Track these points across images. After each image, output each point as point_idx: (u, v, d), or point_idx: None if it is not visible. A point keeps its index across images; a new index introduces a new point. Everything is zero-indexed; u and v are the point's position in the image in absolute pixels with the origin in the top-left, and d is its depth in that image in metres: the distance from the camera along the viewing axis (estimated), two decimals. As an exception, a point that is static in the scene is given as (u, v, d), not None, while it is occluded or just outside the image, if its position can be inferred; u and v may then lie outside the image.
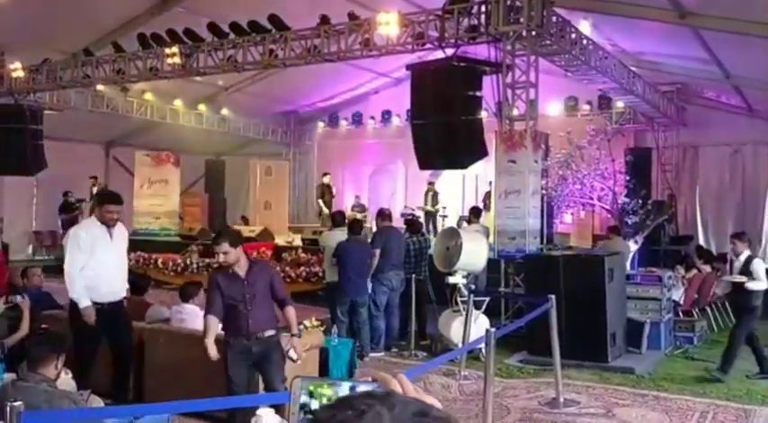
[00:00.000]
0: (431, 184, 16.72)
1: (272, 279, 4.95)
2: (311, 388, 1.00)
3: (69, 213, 16.62)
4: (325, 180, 17.64)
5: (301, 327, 5.98)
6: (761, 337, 7.24)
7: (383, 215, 9.08)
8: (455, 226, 11.91)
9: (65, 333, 4.04)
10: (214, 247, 4.77)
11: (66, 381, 4.35)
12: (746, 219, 15.38)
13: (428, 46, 10.67)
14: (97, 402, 4.41)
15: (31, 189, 18.50)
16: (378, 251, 8.29)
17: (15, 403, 2.40)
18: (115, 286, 5.67)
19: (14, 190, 17.03)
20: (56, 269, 15.27)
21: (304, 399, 0.99)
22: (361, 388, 1.01)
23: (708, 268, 10.90)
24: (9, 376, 4.21)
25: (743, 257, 7.36)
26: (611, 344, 7.60)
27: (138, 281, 7.45)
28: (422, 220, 14.77)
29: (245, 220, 18.04)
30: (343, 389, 1.01)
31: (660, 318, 8.37)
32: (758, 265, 7.24)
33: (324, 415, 0.79)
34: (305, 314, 6.99)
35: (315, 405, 0.99)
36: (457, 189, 17.73)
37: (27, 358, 3.80)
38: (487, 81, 9.85)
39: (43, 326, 5.48)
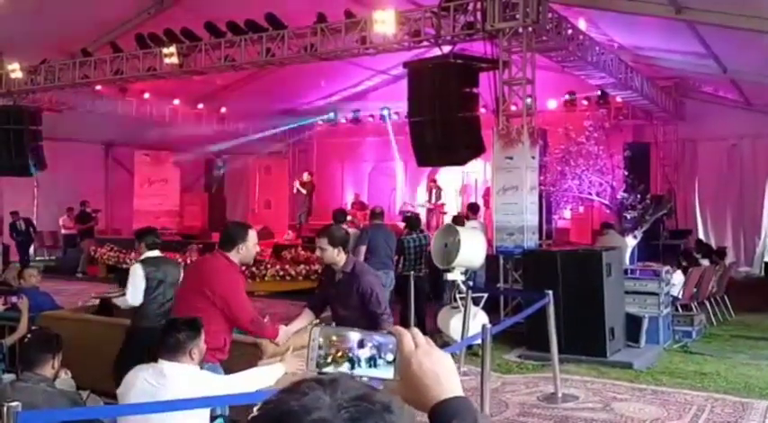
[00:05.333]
0: (433, 181, 16.78)
1: (363, 285, 4.48)
2: (321, 340, 1.06)
3: (86, 223, 16.58)
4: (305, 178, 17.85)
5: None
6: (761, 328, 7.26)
7: (374, 214, 9.15)
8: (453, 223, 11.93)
9: (58, 333, 4.07)
10: (316, 240, 4.70)
11: (66, 381, 4.38)
12: (745, 212, 15.42)
13: (425, 43, 10.69)
14: (96, 402, 4.43)
15: (32, 190, 18.54)
16: (363, 248, 8.32)
17: (13, 403, 2.42)
18: None
19: (15, 191, 17.06)
20: (57, 270, 15.46)
21: (317, 351, 1.06)
22: (371, 339, 1.07)
23: (706, 262, 10.92)
24: (8, 377, 4.24)
25: None
26: (609, 338, 7.62)
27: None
28: (423, 216, 14.82)
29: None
30: (353, 340, 1.06)
31: (659, 312, 8.39)
32: None
33: (275, 397, 0.84)
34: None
35: (323, 354, 1.08)
36: (456, 186, 17.78)
37: (22, 360, 3.81)
38: (484, 78, 9.87)
39: (33, 327, 5.51)
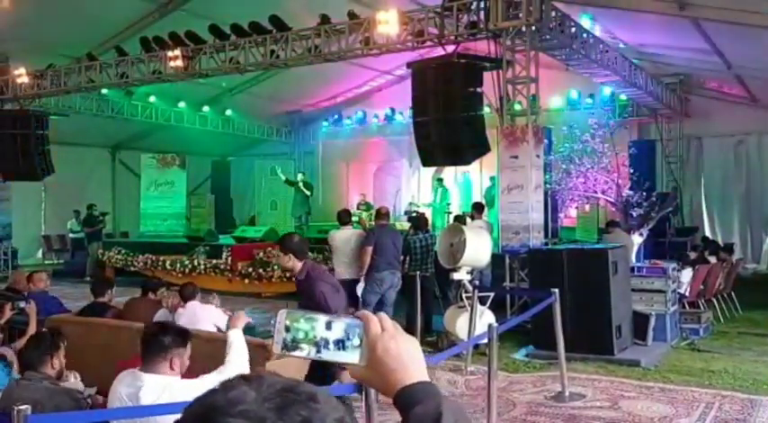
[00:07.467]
0: (439, 180, 16.77)
1: (315, 293, 4.67)
2: (287, 322, 1.05)
3: (93, 226, 16.64)
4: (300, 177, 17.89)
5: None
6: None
7: (379, 214, 9.15)
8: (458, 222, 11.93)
9: (56, 330, 4.08)
10: None
11: (76, 384, 4.40)
12: (752, 208, 15.38)
13: (428, 43, 10.70)
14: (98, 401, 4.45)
15: (40, 194, 18.66)
16: (369, 249, 8.33)
17: (22, 407, 2.45)
18: None
19: (23, 195, 17.16)
20: (65, 274, 15.54)
21: (284, 333, 1.05)
22: (338, 323, 1.06)
23: (714, 259, 10.88)
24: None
25: None
26: (616, 337, 7.60)
27: (147, 282, 7.64)
28: (428, 216, 14.81)
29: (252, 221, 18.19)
30: (320, 324, 1.05)
31: (666, 310, 8.37)
32: None
33: (201, 396, 0.85)
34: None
35: (289, 338, 1.05)
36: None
37: (24, 362, 3.84)
38: (488, 77, 9.87)
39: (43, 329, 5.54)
